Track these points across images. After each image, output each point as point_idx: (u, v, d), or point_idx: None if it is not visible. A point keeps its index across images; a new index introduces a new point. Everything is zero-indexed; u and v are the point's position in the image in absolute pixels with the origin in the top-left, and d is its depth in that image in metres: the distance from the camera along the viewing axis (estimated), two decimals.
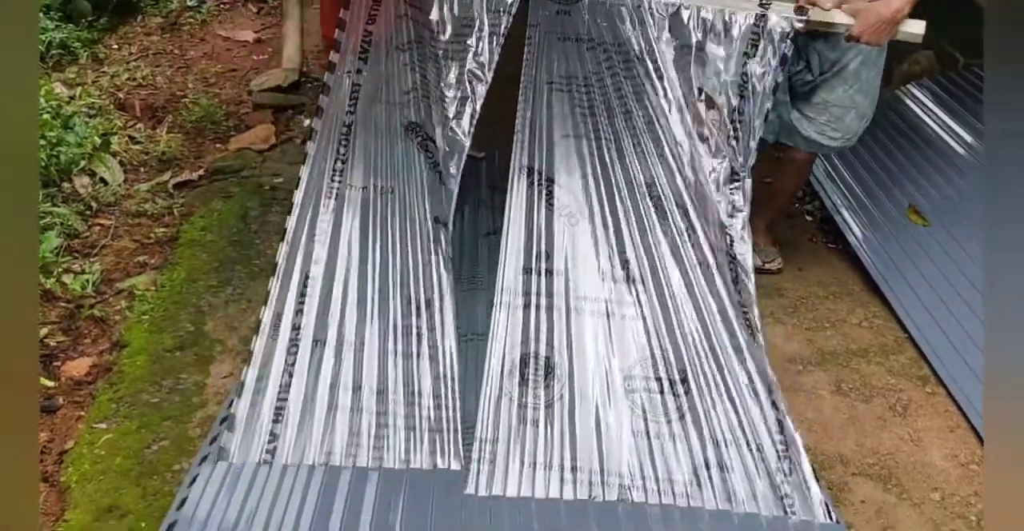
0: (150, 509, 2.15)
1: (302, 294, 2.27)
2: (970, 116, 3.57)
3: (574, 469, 2.07)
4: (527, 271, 2.30)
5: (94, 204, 3.30)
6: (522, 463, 2.07)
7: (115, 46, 4.63)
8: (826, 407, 2.59)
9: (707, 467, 2.10)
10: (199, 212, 3.34)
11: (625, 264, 2.32)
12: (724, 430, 2.15)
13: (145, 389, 2.51)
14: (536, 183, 2.38)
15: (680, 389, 2.19)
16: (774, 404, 2.18)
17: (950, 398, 2.61)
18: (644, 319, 2.27)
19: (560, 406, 2.15)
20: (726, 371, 2.20)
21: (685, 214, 2.33)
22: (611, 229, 2.36)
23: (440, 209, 2.34)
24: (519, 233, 2.33)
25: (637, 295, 2.30)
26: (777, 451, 2.12)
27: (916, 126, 3.69)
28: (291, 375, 2.19)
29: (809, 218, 3.57)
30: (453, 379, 2.20)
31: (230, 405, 2.22)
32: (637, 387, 2.20)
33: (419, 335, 2.26)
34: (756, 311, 2.32)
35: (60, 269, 2.91)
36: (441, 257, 2.32)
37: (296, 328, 2.24)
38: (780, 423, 2.16)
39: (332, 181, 2.37)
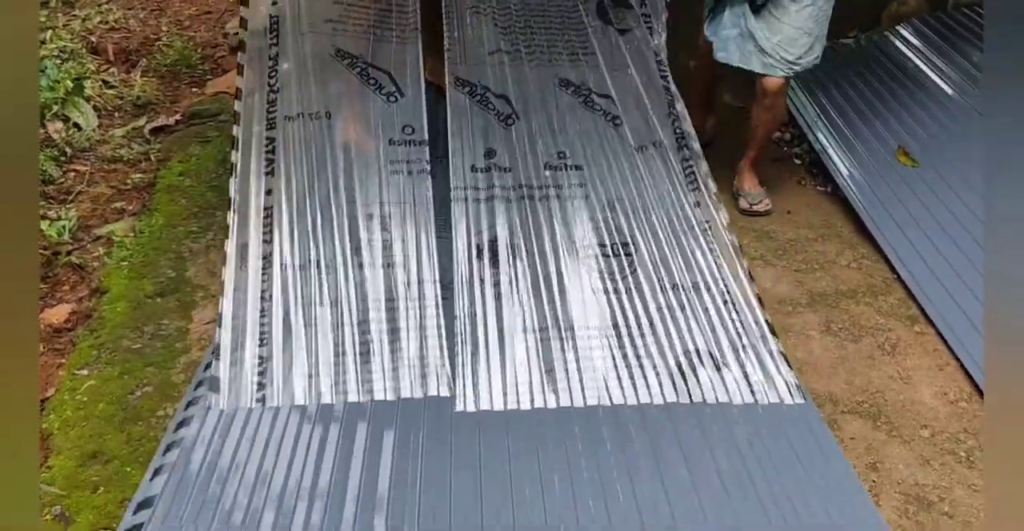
0: (135, 454, 2.12)
1: (264, 224, 2.30)
2: (959, 56, 3.54)
3: (543, 329, 2.21)
4: (474, 169, 2.52)
5: (68, 150, 3.22)
6: (499, 330, 2.19)
7: None
8: (816, 347, 2.58)
9: (677, 363, 2.19)
10: (176, 157, 3.27)
11: (562, 154, 2.59)
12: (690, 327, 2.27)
13: (127, 335, 2.47)
14: (471, 93, 2.67)
15: (626, 250, 2.41)
16: (728, 289, 2.34)
17: (939, 337, 2.61)
18: (587, 197, 2.51)
19: (526, 279, 2.32)
20: (680, 248, 2.43)
21: (613, 104, 2.70)
22: (545, 125, 2.65)
23: (392, 131, 2.51)
24: (462, 137, 2.57)
25: (578, 178, 2.55)
26: (741, 337, 2.24)
27: (905, 67, 3.65)
28: (268, 300, 2.18)
29: (798, 161, 3.53)
30: (434, 283, 2.26)
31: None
32: (591, 254, 2.40)
33: (389, 245, 2.32)
34: (711, 186, 2.59)
35: None
36: (402, 175, 2.46)
37: (265, 257, 2.25)
38: (742, 310, 2.31)
39: (268, 113, 2.46)
